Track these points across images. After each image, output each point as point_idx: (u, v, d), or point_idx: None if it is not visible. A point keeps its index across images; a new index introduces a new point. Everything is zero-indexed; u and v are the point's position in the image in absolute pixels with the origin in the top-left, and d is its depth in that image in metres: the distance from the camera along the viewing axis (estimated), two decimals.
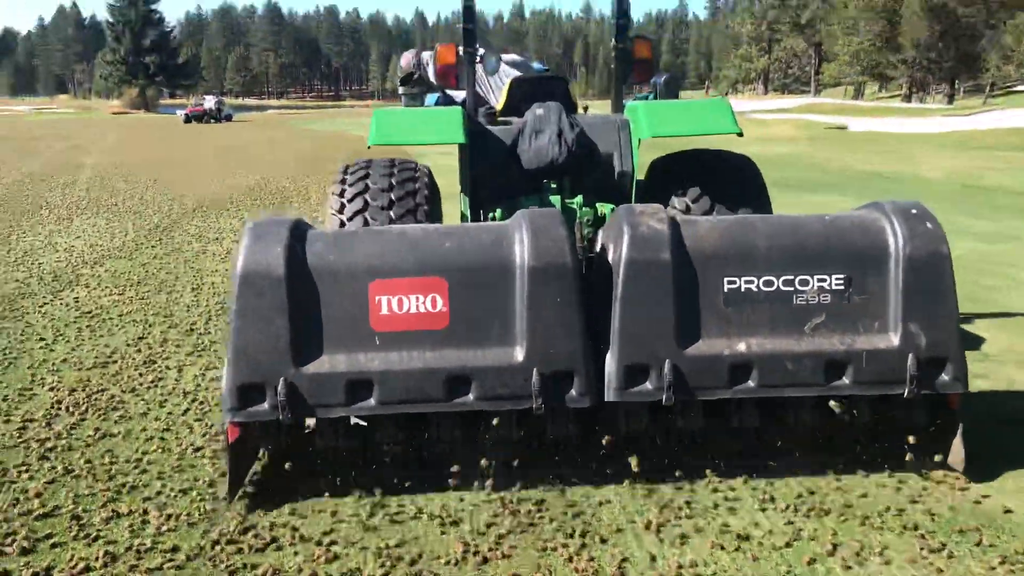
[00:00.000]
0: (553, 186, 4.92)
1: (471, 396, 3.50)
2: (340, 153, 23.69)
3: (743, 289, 3.57)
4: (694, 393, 3.54)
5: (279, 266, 3.45)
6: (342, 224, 4.57)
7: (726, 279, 3.57)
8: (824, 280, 3.58)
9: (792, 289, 3.57)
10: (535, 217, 3.60)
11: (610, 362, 3.54)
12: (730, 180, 4.81)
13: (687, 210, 4.79)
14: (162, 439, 4.22)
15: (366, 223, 4.54)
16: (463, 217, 5.06)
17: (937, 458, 3.68)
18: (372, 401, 3.48)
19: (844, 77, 63.91)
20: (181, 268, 8.75)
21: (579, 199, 4.91)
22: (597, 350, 3.56)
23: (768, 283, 3.57)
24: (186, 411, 4.63)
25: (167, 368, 5.40)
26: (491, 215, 4.87)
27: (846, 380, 3.54)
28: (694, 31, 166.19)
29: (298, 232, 3.61)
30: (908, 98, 57.75)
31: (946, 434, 3.67)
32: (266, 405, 3.45)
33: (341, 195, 4.72)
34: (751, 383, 3.54)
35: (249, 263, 3.46)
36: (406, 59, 6.63)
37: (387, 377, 3.46)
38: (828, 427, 3.79)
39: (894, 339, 3.54)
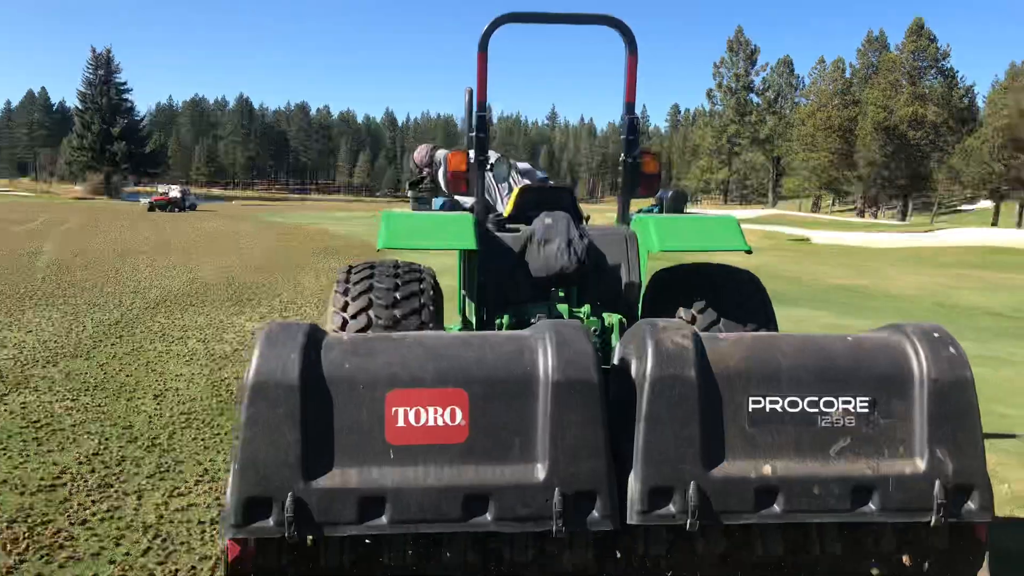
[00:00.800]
0: (561, 295, 4.88)
1: (489, 516, 3.34)
2: (308, 246, 23.67)
3: (768, 409, 3.51)
4: (719, 517, 3.42)
5: (294, 374, 3.31)
6: (344, 323, 4.47)
7: (751, 398, 3.51)
8: (849, 402, 3.52)
9: (817, 411, 3.51)
10: (560, 328, 3.53)
11: (633, 483, 3.42)
12: (735, 294, 4.82)
13: (692, 322, 4.77)
14: None
15: (369, 322, 4.45)
16: (467, 323, 4.98)
17: None
18: (384, 519, 3.30)
19: (803, 191, 66.17)
20: (143, 371, 8.25)
21: (586, 308, 4.87)
22: (619, 470, 3.44)
23: (793, 403, 3.51)
24: (146, 551, 4.07)
25: (124, 494, 4.81)
26: (498, 322, 4.79)
27: (872, 506, 3.45)
28: (655, 141, 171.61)
29: (314, 338, 3.49)
30: (861, 213, 59.77)
31: (972, 565, 3.57)
32: (271, 521, 3.25)
33: (345, 293, 4.64)
34: (776, 508, 3.43)
35: (262, 369, 3.32)
36: (420, 154, 6.64)
37: (401, 494, 3.30)
38: (850, 555, 3.67)
39: (920, 464, 3.48)
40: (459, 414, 3.39)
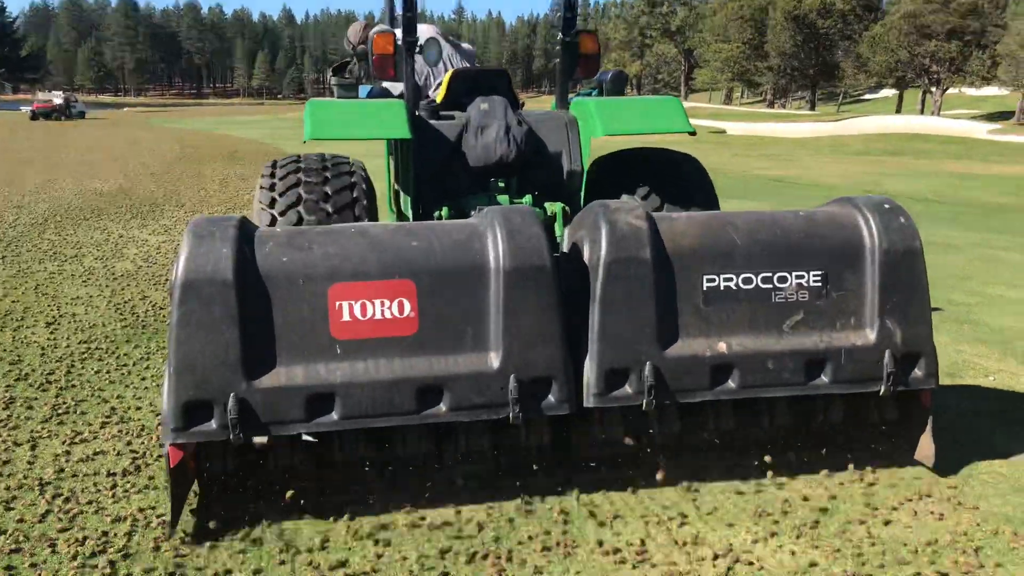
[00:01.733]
0: (501, 184, 4.69)
1: (443, 407, 3.23)
2: (211, 153, 22.54)
3: (722, 287, 3.45)
4: (675, 396, 3.39)
5: (227, 269, 3.07)
6: (273, 220, 4.20)
7: (705, 277, 3.44)
8: (802, 277, 3.49)
9: (771, 286, 3.47)
10: (509, 215, 3.36)
11: (589, 366, 3.34)
12: (679, 179, 4.72)
13: None
14: (9, 568, 2.98)
15: (300, 219, 4.19)
16: (401, 218, 4.75)
17: (913, 454, 3.68)
18: (334, 415, 3.15)
19: (715, 83, 66.38)
20: (31, 296, 7.05)
21: (528, 198, 4.69)
22: (573, 356, 3.35)
23: (747, 280, 3.46)
24: (45, 515, 3.31)
25: (15, 444, 3.99)
26: (436, 215, 4.58)
27: (824, 379, 3.47)
28: None
29: (245, 231, 3.24)
30: (771, 104, 60.50)
31: (916, 431, 3.66)
32: (214, 424, 3.07)
33: (271, 188, 4.35)
34: (731, 384, 3.42)
35: (192, 266, 3.06)
36: (354, 32, 6.12)
37: (351, 389, 3.14)
38: (799, 427, 3.72)
39: (871, 336, 3.49)
40: (407, 306, 3.23)
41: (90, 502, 3.42)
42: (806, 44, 50.61)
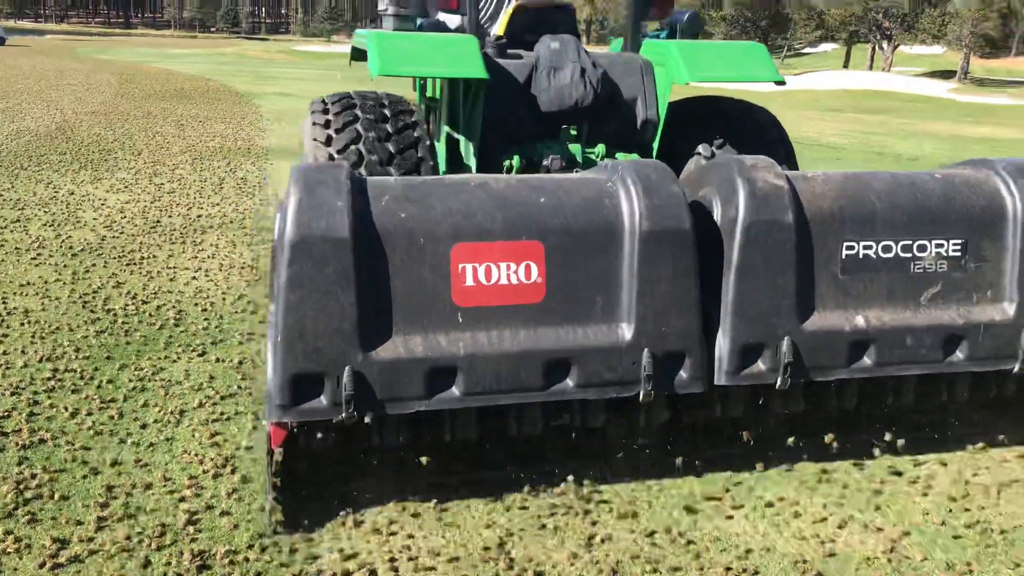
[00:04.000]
0: (573, 132, 4.33)
1: (570, 382, 2.93)
2: (155, 90, 21.12)
3: (861, 255, 3.19)
4: (810, 374, 3.14)
5: (344, 226, 2.69)
6: (330, 158, 3.82)
7: (844, 244, 3.17)
8: (942, 246, 3.26)
9: (910, 255, 3.23)
10: (642, 170, 3.03)
11: (723, 341, 3.07)
12: (759, 132, 4.44)
13: (712, 158, 4.38)
14: None
15: (360, 157, 3.82)
16: (459, 168, 4.37)
17: None
18: (455, 391, 2.83)
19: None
20: None
21: (600, 148, 4.35)
22: (710, 328, 3.07)
23: (887, 248, 3.21)
24: None
25: None
26: (506, 163, 4.22)
27: (960, 355, 3.26)
28: None
29: (358, 182, 2.85)
30: None
31: None
32: (324, 400, 2.71)
33: (327, 126, 3.95)
34: (867, 361, 3.19)
35: (304, 222, 2.67)
36: None
37: (474, 362, 2.82)
38: (920, 405, 3.52)
39: (1009, 310, 3.29)
40: (535, 270, 2.89)
41: (27, 509, 2.79)
42: None
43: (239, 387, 3.92)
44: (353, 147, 3.88)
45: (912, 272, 3.24)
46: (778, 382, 3.09)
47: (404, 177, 2.99)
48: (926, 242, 3.24)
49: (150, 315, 4.83)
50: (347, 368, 2.70)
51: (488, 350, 2.84)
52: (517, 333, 2.88)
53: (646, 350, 2.94)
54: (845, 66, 50.16)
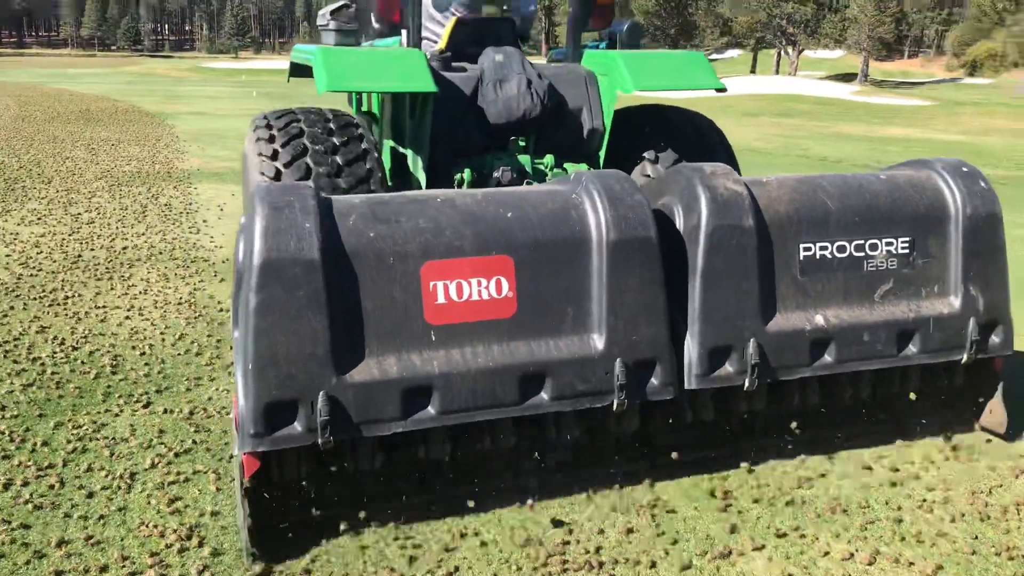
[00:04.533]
0: (521, 144, 4.33)
1: (545, 396, 2.92)
2: (59, 112, 20.16)
3: (818, 256, 3.28)
4: (776, 374, 3.21)
5: (313, 247, 2.63)
6: (277, 174, 3.74)
7: (801, 246, 3.26)
8: (891, 244, 3.37)
9: (863, 254, 3.34)
10: (606, 180, 3.05)
11: (691, 346, 3.10)
12: (700, 140, 4.52)
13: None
14: None
15: (308, 170, 3.75)
16: (407, 184, 4.32)
17: (979, 421, 3.66)
18: (431, 410, 2.79)
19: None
20: None
21: (549, 158, 4.36)
22: (677, 334, 3.11)
23: (841, 248, 3.31)
24: None
25: None
26: (457, 177, 4.19)
27: (913, 349, 3.38)
28: None
29: (324, 202, 2.79)
30: None
31: (987, 396, 3.64)
32: (299, 427, 2.64)
33: (271, 140, 3.87)
34: (828, 358, 3.27)
35: (271, 244, 2.60)
36: None
37: (450, 380, 2.78)
38: (878, 399, 3.62)
39: (955, 303, 3.43)
40: (505, 285, 2.88)
41: None
42: (667, 2, 51.63)
43: (194, 442, 3.52)
44: (300, 160, 3.81)
45: (865, 271, 3.34)
46: (746, 383, 3.14)
47: (368, 195, 2.93)
48: (877, 241, 3.35)
49: (82, 363, 4.36)
50: (321, 393, 2.63)
51: (463, 367, 2.80)
52: (491, 349, 2.86)
53: (618, 359, 2.95)
54: (752, 71, 51.77)
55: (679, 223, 3.18)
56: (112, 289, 5.72)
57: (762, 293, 3.17)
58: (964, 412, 3.69)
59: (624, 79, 4.19)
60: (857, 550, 2.85)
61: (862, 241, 3.32)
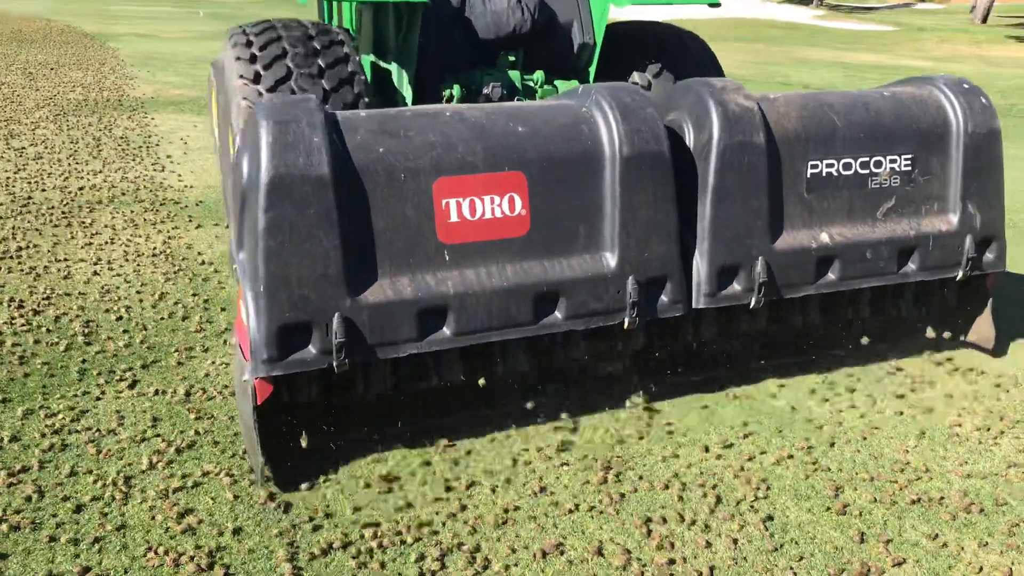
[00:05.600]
0: (511, 59, 4.20)
1: (559, 315, 2.88)
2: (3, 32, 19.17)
3: (824, 174, 3.26)
4: (781, 292, 3.21)
5: (322, 163, 2.51)
6: (259, 97, 3.58)
7: (809, 163, 3.23)
8: (895, 161, 3.37)
9: (868, 172, 3.32)
10: (618, 94, 2.96)
11: (700, 264, 3.08)
12: (691, 57, 4.44)
13: (648, 87, 4.37)
14: None
15: (293, 94, 3.60)
16: (392, 100, 4.17)
17: (966, 336, 3.73)
18: (447, 331, 2.73)
19: None
20: None
21: (539, 74, 4.25)
22: (686, 250, 3.08)
23: (847, 166, 3.29)
24: None
25: None
26: (446, 92, 4.06)
27: (912, 266, 3.41)
28: None
29: (330, 116, 2.66)
30: None
31: (978, 311, 3.70)
32: (313, 349, 2.57)
33: (252, 61, 3.69)
34: (832, 276, 3.28)
35: (279, 161, 2.48)
36: None
37: (465, 301, 2.72)
38: (874, 316, 3.66)
39: (954, 220, 3.45)
40: (518, 202, 2.81)
41: None
42: None
43: (196, 432, 2.94)
44: (284, 85, 3.64)
45: (869, 188, 3.34)
46: (752, 301, 3.14)
47: (374, 110, 2.81)
48: (881, 158, 3.34)
49: (48, 331, 3.69)
50: (336, 315, 2.55)
51: (477, 288, 2.74)
52: (504, 268, 2.80)
53: (631, 277, 2.92)
54: None
55: (689, 139, 3.12)
56: (72, 238, 4.94)
57: (771, 211, 3.15)
58: (954, 328, 3.75)
59: None
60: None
61: (867, 158, 3.31)
